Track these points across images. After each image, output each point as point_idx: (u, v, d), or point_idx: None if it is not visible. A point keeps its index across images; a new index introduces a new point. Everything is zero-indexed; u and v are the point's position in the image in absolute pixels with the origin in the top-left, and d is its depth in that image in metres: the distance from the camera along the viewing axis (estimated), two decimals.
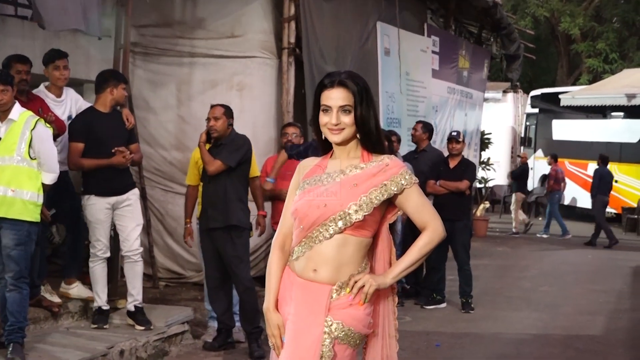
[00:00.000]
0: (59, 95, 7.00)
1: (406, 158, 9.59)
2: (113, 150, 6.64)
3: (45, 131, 5.94)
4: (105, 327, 6.81)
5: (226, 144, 6.84)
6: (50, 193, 6.27)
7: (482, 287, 10.27)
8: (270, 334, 3.32)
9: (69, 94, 7.13)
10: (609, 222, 19.70)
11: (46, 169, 5.92)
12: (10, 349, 5.75)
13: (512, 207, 18.45)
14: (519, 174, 18.93)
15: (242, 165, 6.90)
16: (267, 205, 7.65)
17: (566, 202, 19.29)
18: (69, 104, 7.05)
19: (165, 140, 9.08)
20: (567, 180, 18.62)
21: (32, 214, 5.84)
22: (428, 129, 9.90)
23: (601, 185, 16.47)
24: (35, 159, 5.85)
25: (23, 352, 5.81)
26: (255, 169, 7.35)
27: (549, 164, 18.60)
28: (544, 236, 17.60)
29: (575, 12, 28.10)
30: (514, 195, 18.63)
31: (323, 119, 3.19)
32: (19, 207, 5.77)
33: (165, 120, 9.11)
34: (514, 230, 18.07)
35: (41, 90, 6.93)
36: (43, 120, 6.01)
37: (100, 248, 6.80)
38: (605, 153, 17.07)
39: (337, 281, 3.16)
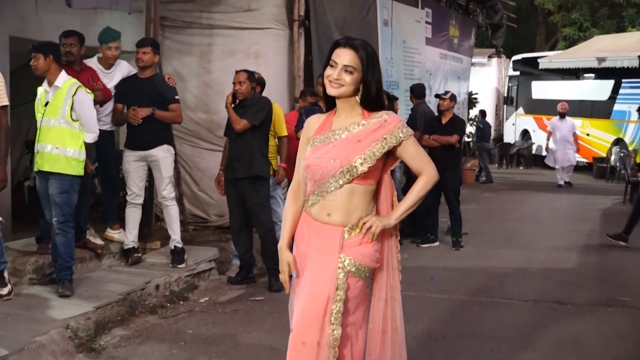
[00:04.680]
0: (107, 67, 7.04)
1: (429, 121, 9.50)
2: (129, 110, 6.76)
3: (85, 96, 5.90)
4: (136, 261, 6.90)
5: (250, 105, 6.79)
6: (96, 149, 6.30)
7: (470, 228, 10.23)
8: (281, 269, 3.31)
9: (121, 66, 7.15)
10: (582, 170, 19.63)
11: (87, 129, 5.91)
12: (61, 284, 5.83)
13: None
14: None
15: (264, 124, 6.87)
16: None
17: (543, 153, 19.16)
18: (117, 76, 7.07)
19: (192, 102, 9.02)
20: (543, 133, 18.46)
21: (75, 169, 5.84)
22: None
23: (484, 134, 17.46)
24: (77, 120, 5.83)
25: (72, 286, 5.87)
26: (283, 129, 7.33)
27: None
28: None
29: None
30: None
31: (328, 71, 3.15)
32: (63, 162, 5.78)
33: (191, 85, 9.04)
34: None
35: (93, 61, 7.00)
36: (84, 87, 5.98)
37: (130, 194, 6.96)
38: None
39: (348, 224, 3.15)
